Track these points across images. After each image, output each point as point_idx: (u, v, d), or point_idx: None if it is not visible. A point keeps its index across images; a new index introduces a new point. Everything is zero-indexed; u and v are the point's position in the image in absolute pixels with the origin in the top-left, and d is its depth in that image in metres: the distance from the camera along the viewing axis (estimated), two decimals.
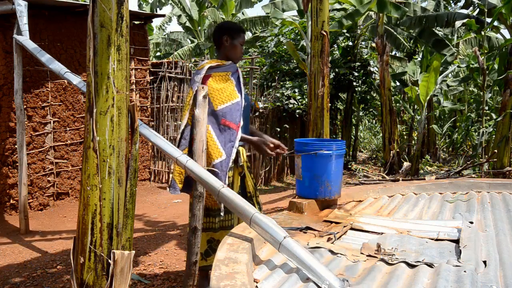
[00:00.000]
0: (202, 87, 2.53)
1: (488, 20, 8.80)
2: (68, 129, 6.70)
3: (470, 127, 14.00)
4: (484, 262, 1.60)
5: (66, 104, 6.67)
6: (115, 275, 2.13)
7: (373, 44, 12.12)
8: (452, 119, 15.65)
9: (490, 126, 9.06)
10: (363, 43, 12.96)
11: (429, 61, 10.34)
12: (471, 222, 2.13)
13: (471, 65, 12.36)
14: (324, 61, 4.86)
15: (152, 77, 8.61)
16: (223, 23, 2.94)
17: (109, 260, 2.13)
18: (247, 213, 1.90)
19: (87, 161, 2.13)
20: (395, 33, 11.23)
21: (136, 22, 7.92)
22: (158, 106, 8.70)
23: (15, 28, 4.96)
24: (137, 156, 2.29)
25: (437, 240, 1.91)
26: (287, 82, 10.37)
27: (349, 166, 11.25)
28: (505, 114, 8.13)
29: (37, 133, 6.24)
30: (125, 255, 2.17)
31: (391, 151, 10.39)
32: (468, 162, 9.89)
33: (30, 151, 6.11)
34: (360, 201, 2.80)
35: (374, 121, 18.88)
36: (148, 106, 8.36)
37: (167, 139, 8.09)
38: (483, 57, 8.79)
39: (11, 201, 5.99)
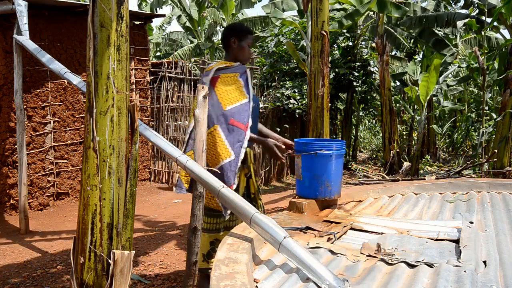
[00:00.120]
0: (202, 87, 2.53)
1: (488, 20, 8.79)
2: (68, 129, 6.70)
3: (470, 127, 14.00)
4: (484, 262, 1.60)
5: (66, 104, 6.67)
6: (115, 275, 2.13)
7: (373, 44, 12.12)
8: (452, 119, 15.65)
9: (490, 126, 9.06)
10: (363, 43, 12.96)
11: (429, 61, 10.34)
12: (471, 222, 2.13)
13: (471, 65, 12.36)
14: (324, 61, 4.86)
15: (152, 77, 8.61)
16: (230, 25, 2.97)
17: (109, 260, 2.13)
18: (247, 213, 1.90)
19: (87, 161, 2.13)
20: (395, 33, 11.23)
21: (136, 22, 7.92)
22: (158, 106, 8.70)
23: (15, 28, 4.97)
24: (137, 156, 2.29)
25: (437, 240, 1.91)
26: (287, 82, 10.37)
27: (349, 166, 11.25)
28: (505, 114, 8.13)
29: (37, 133, 6.24)
30: (125, 255, 2.17)
31: (391, 151, 10.39)
32: (468, 162, 9.89)
33: (30, 151, 6.11)
34: (360, 201, 2.80)
35: (374, 121, 18.87)
36: (148, 106, 8.36)
37: (167, 139, 8.10)
38: (483, 57, 8.79)
39: (11, 201, 5.99)
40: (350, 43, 11.74)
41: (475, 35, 11.16)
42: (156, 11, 16.50)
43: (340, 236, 2.00)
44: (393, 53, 13.94)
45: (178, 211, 6.51)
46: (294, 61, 10.25)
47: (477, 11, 9.65)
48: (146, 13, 8.36)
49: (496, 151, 8.06)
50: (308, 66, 6.45)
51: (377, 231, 2.05)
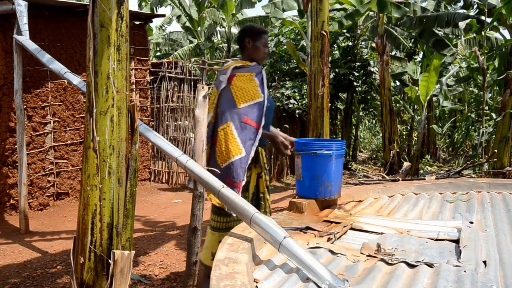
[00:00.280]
0: (202, 87, 2.54)
1: (488, 20, 8.79)
2: (68, 129, 6.70)
3: (470, 127, 14.00)
4: (484, 262, 1.60)
5: (66, 104, 6.67)
6: (115, 275, 2.13)
7: (373, 44, 12.12)
8: (452, 119, 15.65)
9: (490, 126, 9.05)
10: (363, 43, 12.96)
11: (429, 61, 10.34)
12: (471, 222, 2.13)
13: (471, 65, 12.36)
14: (324, 61, 4.86)
15: (152, 77, 8.61)
16: (245, 26, 3.03)
17: (109, 260, 2.13)
18: (247, 213, 1.90)
19: (87, 161, 2.13)
20: (395, 33, 11.23)
21: (136, 22, 7.92)
22: (158, 106, 8.70)
23: (15, 28, 4.97)
24: (137, 156, 2.29)
25: (437, 240, 1.91)
26: (287, 82, 10.37)
27: (349, 166, 11.25)
28: (505, 114, 8.13)
29: (37, 133, 6.24)
30: (125, 255, 2.17)
31: (391, 151, 10.39)
32: (468, 162, 9.89)
33: (30, 151, 6.11)
34: (360, 201, 2.79)
35: (374, 121, 18.88)
36: (148, 106, 8.36)
37: (167, 139, 8.10)
38: (483, 57, 8.79)
39: (11, 201, 5.99)
40: (350, 43, 11.74)
41: (474, 35, 11.16)
42: (156, 11, 16.51)
43: (340, 236, 2.00)
44: (393, 53, 13.95)
45: (178, 211, 6.51)
46: (294, 61, 10.26)
47: (477, 11, 9.65)
48: (146, 13, 8.36)
49: (496, 151, 8.06)
50: (308, 66, 6.45)
51: (377, 231, 2.05)
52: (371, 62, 11.82)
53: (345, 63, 11.21)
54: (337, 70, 11.06)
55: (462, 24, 9.75)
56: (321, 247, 1.82)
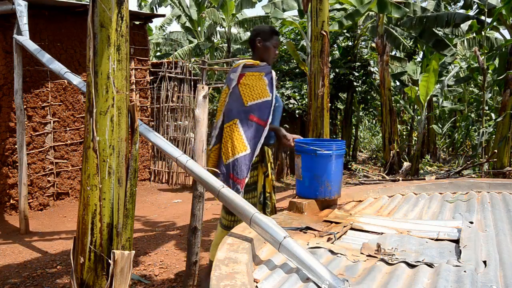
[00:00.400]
0: (202, 87, 2.55)
1: (488, 20, 8.79)
2: (68, 129, 6.70)
3: (470, 127, 14.00)
4: (484, 262, 1.60)
5: (66, 104, 6.67)
6: (115, 275, 2.13)
7: (373, 44, 12.12)
8: (452, 119, 15.65)
9: (490, 126, 9.05)
10: (363, 43, 12.96)
11: (429, 61, 10.34)
12: (471, 222, 2.13)
13: (471, 65, 12.35)
14: (324, 61, 4.86)
15: (152, 77, 8.61)
16: (257, 27, 3.09)
17: (109, 260, 2.13)
18: (247, 213, 1.90)
19: (87, 161, 2.13)
20: (395, 33, 11.23)
21: (136, 22, 7.92)
22: (158, 106, 8.70)
23: (15, 28, 4.97)
24: (137, 156, 2.29)
25: (437, 240, 1.91)
26: (287, 82, 10.37)
27: (349, 166, 11.25)
28: (505, 114, 8.13)
29: (37, 133, 6.24)
30: (125, 255, 2.17)
31: (391, 151, 10.39)
32: (468, 162, 9.89)
33: (30, 151, 6.11)
34: (360, 201, 2.80)
35: (374, 121, 18.87)
36: (148, 106, 8.36)
37: (167, 139, 8.09)
38: (483, 57, 8.79)
39: (11, 201, 5.99)
40: (350, 43, 11.74)
41: (474, 35, 11.17)
42: (156, 11, 16.51)
43: (340, 236, 2.00)
44: (393, 53, 13.95)
45: (178, 211, 6.51)
46: (294, 61, 10.25)
47: (476, 11, 9.64)
48: (146, 13, 8.36)
49: (496, 151, 8.06)
50: (308, 66, 6.45)
51: (377, 231, 2.05)
52: (371, 62, 11.82)
53: (345, 63, 11.21)
54: (337, 70, 11.05)
55: (464, 26, 9.75)
56: (321, 247, 1.82)
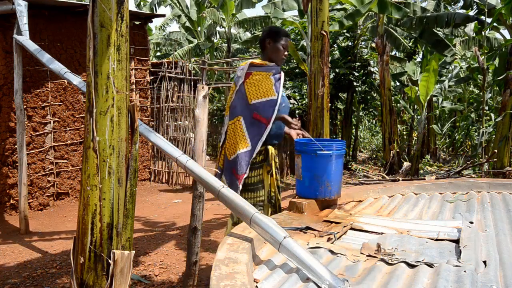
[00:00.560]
0: (202, 87, 2.56)
1: (488, 20, 8.79)
2: (68, 129, 6.70)
3: (470, 127, 13.99)
4: (484, 262, 1.60)
5: (66, 104, 6.67)
6: (115, 275, 2.13)
7: (373, 44, 12.12)
8: (452, 119, 15.65)
9: (490, 126, 9.05)
10: (363, 43, 12.95)
11: (428, 61, 10.34)
12: (471, 222, 2.13)
13: (471, 65, 12.34)
14: (324, 61, 4.86)
15: (152, 77, 8.61)
16: (268, 27, 3.16)
17: (109, 260, 2.13)
18: (247, 213, 1.90)
19: (87, 161, 2.13)
20: (395, 33, 11.23)
21: (136, 22, 7.92)
22: (158, 106, 8.70)
23: (15, 28, 4.96)
24: (137, 156, 2.29)
25: (437, 240, 1.91)
26: (287, 82, 10.37)
27: (349, 166, 11.25)
28: (505, 114, 8.13)
29: (37, 133, 6.24)
30: (125, 255, 2.17)
31: (391, 151, 10.39)
32: (468, 162, 9.89)
33: (30, 151, 6.11)
34: (360, 201, 2.80)
35: (374, 121, 18.86)
36: (148, 106, 8.36)
37: (167, 139, 8.09)
38: (483, 57, 8.79)
39: (11, 201, 5.99)
40: (350, 43, 11.74)
41: (474, 35, 11.17)
42: (156, 10, 16.51)
43: (340, 236, 2.00)
44: (393, 53, 13.95)
45: (178, 211, 6.51)
46: (294, 61, 10.25)
47: (476, 11, 9.64)
48: (146, 13, 8.36)
49: (496, 151, 8.05)
50: (308, 66, 6.45)
51: (377, 231, 2.05)
52: (371, 62, 11.82)
53: (345, 63, 11.21)
54: (337, 70, 11.05)
55: (468, 30, 9.76)
56: (321, 247, 1.82)
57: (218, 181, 2.24)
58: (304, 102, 9.75)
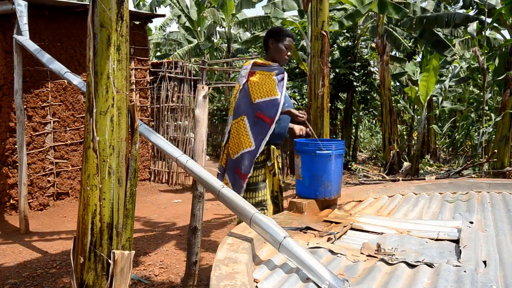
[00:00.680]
0: (202, 87, 2.56)
1: (488, 20, 8.79)
2: (68, 129, 6.70)
3: (470, 127, 13.99)
4: (484, 262, 1.60)
5: (66, 104, 6.67)
6: (115, 275, 2.13)
7: (373, 44, 12.12)
8: (452, 119, 15.65)
9: (490, 126, 9.05)
10: (363, 43, 12.94)
11: (428, 61, 10.35)
12: (471, 222, 2.13)
13: (471, 65, 12.34)
14: (324, 61, 4.86)
15: (152, 77, 8.61)
16: (271, 28, 3.19)
17: (109, 260, 2.13)
18: (247, 213, 1.90)
19: (87, 161, 2.13)
20: (395, 33, 11.23)
21: (136, 22, 7.92)
22: (158, 106, 8.70)
23: (15, 28, 4.97)
24: (137, 156, 2.29)
25: (437, 240, 1.91)
26: (287, 82, 10.36)
27: (349, 166, 11.25)
28: (505, 114, 8.13)
29: (37, 133, 6.24)
30: (125, 255, 2.17)
31: (391, 151, 10.39)
32: (468, 162, 9.89)
33: (30, 151, 6.11)
34: (360, 201, 2.80)
35: (374, 121, 18.86)
36: (148, 106, 8.36)
37: (167, 139, 8.09)
38: (483, 57, 8.79)
39: (11, 201, 5.99)
40: (350, 43, 11.74)
41: (476, 34, 11.16)
42: (155, 10, 16.52)
43: (340, 236, 2.00)
44: (393, 53, 13.95)
45: (178, 211, 6.51)
46: (294, 61, 10.25)
47: (476, 11, 9.64)
48: (146, 13, 8.36)
49: (496, 151, 8.05)
50: (308, 66, 6.45)
51: (377, 231, 2.05)
52: (371, 62, 11.82)
53: (345, 63, 11.21)
54: (337, 70, 11.05)
55: (471, 29, 9.75)
56: (321, 247, 1.82)
57: (218, 181, 2.24)
58: (304, 102, 9.75)
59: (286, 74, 3.02)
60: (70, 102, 6.73)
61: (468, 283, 1.40)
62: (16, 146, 5.71)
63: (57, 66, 3.63)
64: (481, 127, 9.04)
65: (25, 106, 5.90)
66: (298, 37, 11.12)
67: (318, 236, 2.01)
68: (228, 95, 13.98)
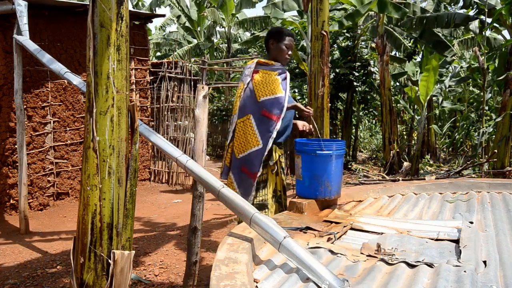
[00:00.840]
0: (202, 87, 2.56)
1: (488, 20, 8.79)
2: (68, 129, 6.70)
3: (470, 127, 13.99)
4: (484, 262, 1.60)
5: (66, 104, 6.67)
6: (115, 275, 2.13)
7: (373, 44, 12.12)
8: (452, 119, 15.65)
9: (490, 126, 9.05)
10: (363, 43, 12.94)
11: (428, 61, 10.35)
12: (471, 222, 2.13)
13: (471, 65, 12.34)
14: (324, 61, 4.86)
15: (152, 77, 8.61)
16: (272, 28, 3.20)
17: (109, 260, 2.13)
18: (247, 213, 1.90)
19: (87, 161, 2.13)
20: (395, 33, 11.23)
21: (136, 22, 7.92)
22: (158, 106, 8.70)
23: (15, 28, 4.96)
24: (137, 156, 2.29)
25: (437, 240, 1.91)
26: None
27: (349, 166, 11.25)
28: (505, 114, 8.13)
29: (37, 133, 6.24)
30: (125, 255, 2.17)
31: (391, 151, 10.38)
32: (468, 162, 9.89)
33: (30, 151, 6.11)
34: (360, 201, 2.80)
35: (374, 121, 18.86)
36: (148, 106, 8.36)
37: (167, 139, 8.09)
38: (483, 57, 8.79)
39: (11, 201, 5.99)
40: (350, 43, 11.73)
41: (473, 35, 11.16)
42: (155, 11, 16.52)
43: (340, 236, 2.00)
44: (393, 53, 13.95)
45: (178, 211, 6.51)
46: (294, 61, 10.25)
47: (476, 11, 9.64)
48: (146, 13, 8.36)
49: (496, 151, 8.05)
50: (308, 66, 6.45)
51: (377, 231, 2.05)
52: (371, 62, 11.82)
53: (345, 63, 11.21)
54: (337, 70, 11.05)
55: (473, 27, 9.74)
56: (321, 247, 1.82)
57: (218, 181, 2.24)
58: (304, 102, 9.74)
59: (288, 74, 3.03)
60: (70, 102, 6.73)
61: (468, 283, 1.40)
62: (16, 146, 5.71)
63: (57, 66, 3.63)
64: (481, 127, 9.04)
65: (25, 106, 5.90)
66: (298, 37, 11.11)
67: (318, 236, 2.01)
68: (228, 95, 13.99)
